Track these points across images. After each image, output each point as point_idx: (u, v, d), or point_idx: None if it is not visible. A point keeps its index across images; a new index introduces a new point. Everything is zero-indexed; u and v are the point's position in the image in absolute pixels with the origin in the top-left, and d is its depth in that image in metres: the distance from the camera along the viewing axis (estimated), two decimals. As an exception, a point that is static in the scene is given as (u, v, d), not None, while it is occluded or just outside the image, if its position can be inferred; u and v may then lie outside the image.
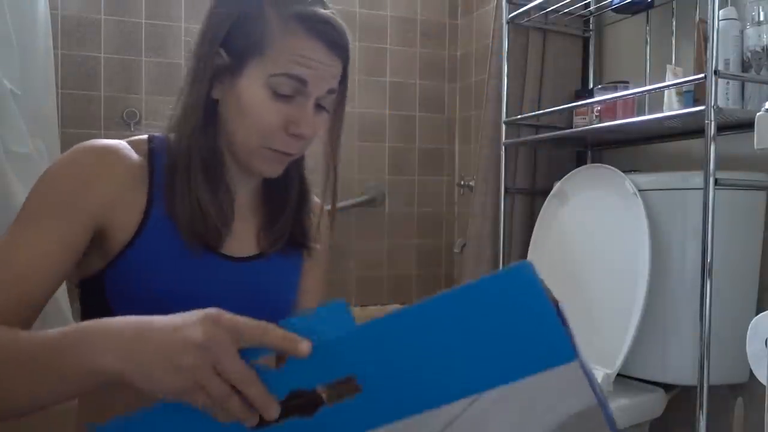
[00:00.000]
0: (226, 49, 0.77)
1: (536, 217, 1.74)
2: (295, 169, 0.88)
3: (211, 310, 0.50)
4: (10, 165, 1.36)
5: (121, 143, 0.79)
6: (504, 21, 1.85)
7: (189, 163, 0.78)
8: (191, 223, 0.77)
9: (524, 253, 1.75)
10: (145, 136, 0.83)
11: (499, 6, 1.88)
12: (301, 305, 0.94)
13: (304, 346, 0.47)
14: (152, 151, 0.81)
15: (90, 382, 0.56)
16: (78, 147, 0.78)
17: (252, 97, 0.76)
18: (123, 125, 1.99)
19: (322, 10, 0.77)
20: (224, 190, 0.81)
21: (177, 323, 0.51)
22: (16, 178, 1.38)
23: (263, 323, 0.49)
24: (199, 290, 0.79)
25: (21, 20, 1.48)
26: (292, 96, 0.76)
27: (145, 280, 0.76)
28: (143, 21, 2.06)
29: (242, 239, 0.85)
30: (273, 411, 0.49)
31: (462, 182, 2.44)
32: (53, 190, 0.74)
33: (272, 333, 0.48)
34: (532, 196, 1.90)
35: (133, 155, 0.79)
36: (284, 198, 0.89)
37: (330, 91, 0.79)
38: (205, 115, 0.78)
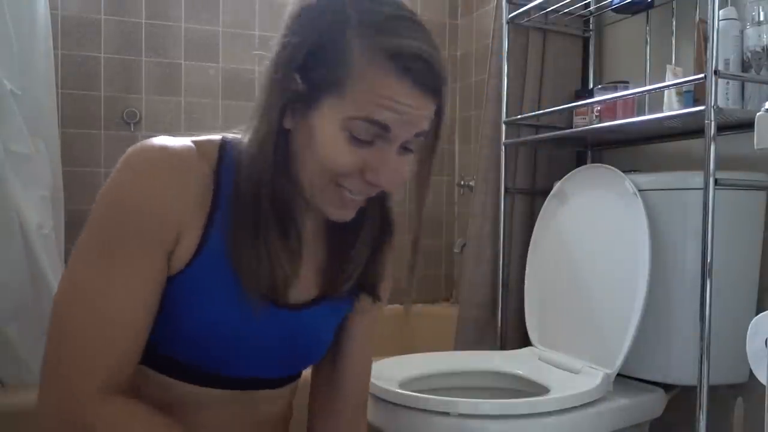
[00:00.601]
0: (302, 75, 0.65)
1: (536, 217, 1.74)
2: (376, 203, 0.77)
3: None
4: (10, 164, 1.36)
5: (192, 147, 0.69)
6: (504, 21, 1.85)
7: (259, 204, 0.67)
8: (256, 274, 0.68)
9: (524, 253, 1.75)
10: (217, 140, 0.73)
11: (499, 6, 1.88)
12: (347, 353, 0.86)
13: None
14: (221, 162, 0.71)
15: None
16: (144, 153, 0.68)
17: (326, 136, 0.65)
18: (123, 125, 1.99)
19: (419, 44, 0.64)
20: (295, 235, 0.71)
21: None
22: (15, 178, 1.38)
23: None
24: (240, 331, 0.72)
25: (21, 20, 1.48)
26: (372, 141, 0.66)
27: (185, 311, 0.69)
28: (143, 21, 2.06)
29: (302, 284, 0.75)
30: None
31: (462, 182, 2.44)
32: (129, 215, 0.65)
33: None
34: (532, 196, 1.90)
35: (203, 168, 0.70)
36: (356, 235, 0.77)
37: (418, 135, 0.68)
38: (275, 148, 0.67)
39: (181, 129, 1.93)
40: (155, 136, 0.71)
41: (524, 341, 1.71)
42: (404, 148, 0.68)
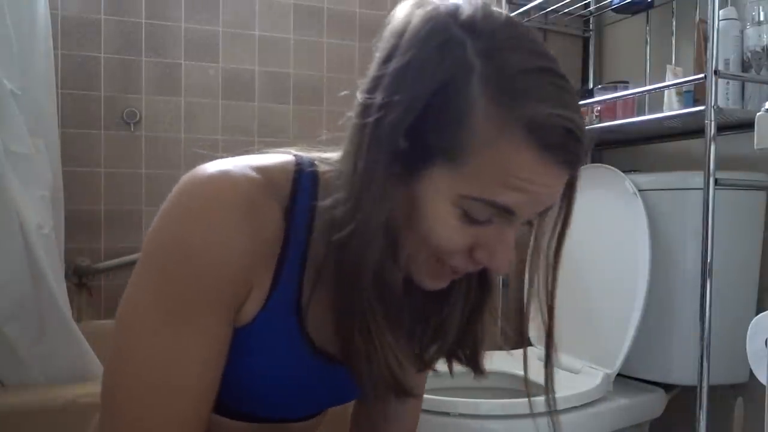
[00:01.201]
0: (411, 137, 0.52)
1: (536, 217, 1.74)
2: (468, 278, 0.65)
3: None
4: (10, 164, 1.36)
5: (260, 184, 0.57)
6: (504, 21, 1.85)
7: (359, 287, 0.55)
8: (377, 377, 0.59)
9: (524, 253, 1.75)
10: (292, 166, 0.60)
11: (498, 6, 1.88)
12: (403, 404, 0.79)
13: None
14: (294, 198, 0.59)
15: None
16: (209, 192, 0.55)
17: (434, 211, 0.53)
18: (123, 125, 1.99)
19: (566, 113, 0.50)
20: (404, 319, 0.61)
21: None
22: (16, 178, 1.38)
23: None
24: (294, 384, 0.65)
25: (21, 20, 1.48)
26: (489, 220, 0.54)
27: (245, 366, 0.61)
28: (143, 21, 2.06)
29: None
30: None
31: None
32: (202, 276, 0.54)
33: None
34: (532, 196, 1.90)
35: (273, 209, 0.58)
36: (447, 300, 0.66)
37: (543, 212, 0.57)
38: (385, 229, 0.54)
39: (181, 129, 1.93)
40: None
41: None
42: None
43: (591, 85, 1.88)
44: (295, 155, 0.62)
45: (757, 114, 0.96)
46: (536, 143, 0.49)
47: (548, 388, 0.70)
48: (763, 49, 1.30)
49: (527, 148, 0.49)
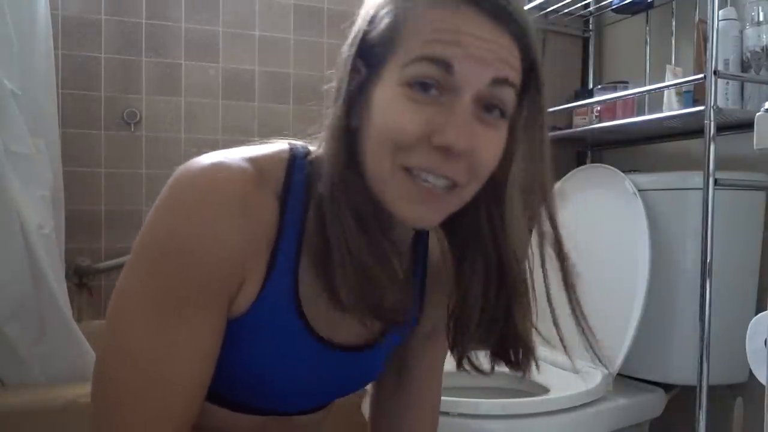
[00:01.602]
0: (363, 57, 0.57)
1: (536, 217, 1.74)
2: (483, 233, 0.61)
3: None
4: (10, 165, 1.36)
5: (251, 175, 0.57)
6: (504, 21, 1.85)
7: (340, 217, 0.56)
8: (360, 296, 0.57)
9: (524, 253, 1.75)
10: (285, 154, 0.61)
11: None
12: (412, 388, 0.78)
13: None
14: (287, 185, 0.59)
15: None
16: (201, 185, 0.55)
17: (384, 100, 0.54)
18: (123, 125, 1.99)
19: None
20: (389, 245, 0.59)
21: None
22: (16, 178, 1.38)
23: None
24: (293, 372, 0.64)
25: (21, 20, 1.48)
26: (438, 93, 0.53)
27: (243, 356, 0.61)
28: (143, 21, 2.06)
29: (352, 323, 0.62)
30: None
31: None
32: (190, 266, 0.54)
33: None
34: (532, 196, 1.90)
35: (266, 200, 0.58)
36: (461, 275, 0.63)
37: (497, 82, 0.53)
38: (348, 151, 0.56)
39: (181, 129, 1.93)
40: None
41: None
42: (486, 110, 0.54)
43: (591, 86, 1.88)
44: (290, 144, 0.63)
45: (757, 114, 0.96)
46: (455, 2, 0.52)
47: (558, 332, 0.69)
48: (762, 50, 1.30)
49: (449, 8, 0.52)
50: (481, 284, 0.62)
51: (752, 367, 0.92)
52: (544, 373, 1.46)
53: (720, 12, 1.32)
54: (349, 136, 0.57)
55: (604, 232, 1.51)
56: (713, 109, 1.21)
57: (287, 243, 0.58)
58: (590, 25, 1.92)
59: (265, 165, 0.59)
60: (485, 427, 1.18)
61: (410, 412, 0.79)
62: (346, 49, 0.58)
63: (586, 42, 1.94)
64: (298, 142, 0.63)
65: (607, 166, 1.55)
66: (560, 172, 1.70)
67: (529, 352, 0.67)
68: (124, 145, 1.90)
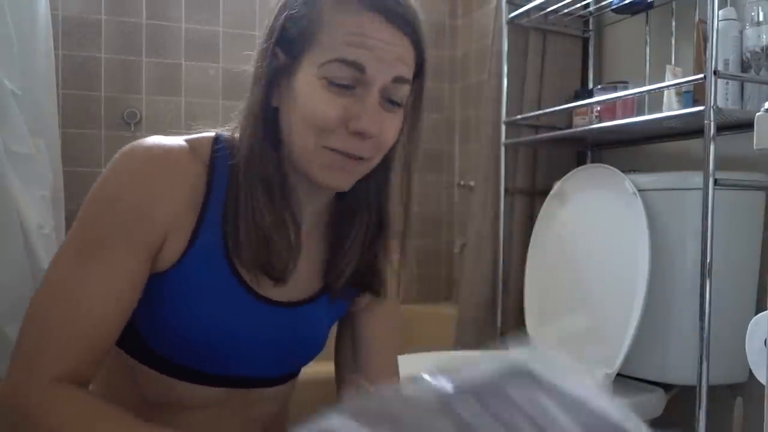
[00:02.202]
0: (282, 46, 0.67)
1: (536, 217, 1.74)
2: (371, 193, 0.75)
3: None
4: (10, 165, 1.36)
5: (184, 147, 0.69)
6: (504, 21, 1.85)
7: (250, 183, 0.67)
8: (254, 254, 0.67)
9: (524, 253, 1.75)
10: (211, 136, 0.73)
11: (498, 6, 1.88)
12: (368, 356, 0.83)
13: None
14: (214, 159, 0.70)
15: None
16: (136, 152, 0.67)
17: (306, 90, 0.65)
18: (123, 125, 1.99)
19: None
20: (288, 214, 0.70)
21: None
22: (16, 178, 1.39)
23: None
24: (233, 333, 0.71)
25: (21, 21, 1.48)
26: (352, 87, 0.65)
27: (177, 310, 0.69)
28: (144, 21, 2.06)
29: (298, 279, 0.73)
30: None
31: (462, 182, 2.45)
32: (115, 212, 0.65)
33: None
34: (532, 196, 1.90)
35: (195, 166, 0.69)
36: (349, 228, 0.75)
37: (397, 80, 0.66)
38: (265, 126, 0.68)
39: (181, 129, 1.94)
40: (153, 135, 0.70)
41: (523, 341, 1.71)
42: (389, 101, 0.67)
43: (591, 86, 1.89)
44: (216, 131, 0.74)
45: (757, 114, 0.96)
46: (363, 6, 0.63)
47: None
48: (762, 50, 1.30)
49: (357, 9, 0.63)
50: (363, 233, 0.75)
51: (752, 367, 0.92)
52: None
53: (720, 12, 1.32)
54: (267, 113, 0.68)
55: (603, 232, 1.51)
56: (713, 109, 1.21)
57: (215, 202, 0.68)
58: (590, 26, 1.92)
59: (194, 142, 0.71)
60: (485, 426, 1.18)
61: (368, 380, 0.83)
62: (264, 39, 0.68)
63: (585, 42, 1.94)
64: (223, 130, 0.74)
65: (607, 166, 1.55)
66: (560, 172, 1.70)
67: (383, 283, 0.78)
68: (125, 145, 1.91)
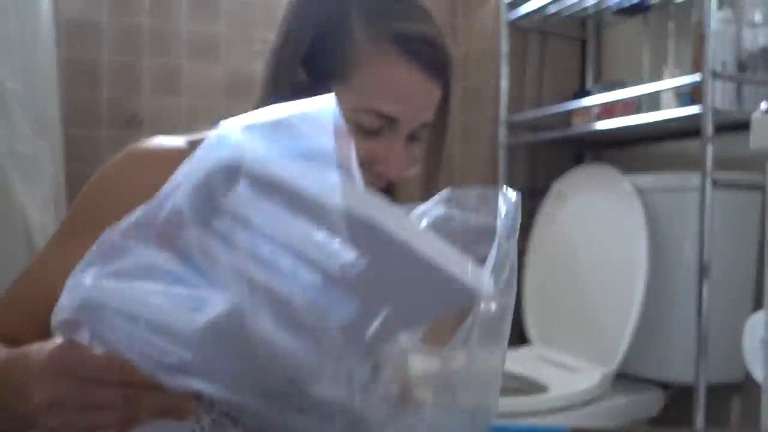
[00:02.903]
0: (307, 66, 0.65)
1: (535, 218, 1.75)
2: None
3: (56, 353, 0.44)
4: (14, 165, 1.37)
5: (184, 148, 0.69)
6: (503, 23, 1.86)
7: None
8: None
9: (523, 253, 1.76)
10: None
11: (498, 8, 1.89)
12: None
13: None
14: None
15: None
16: (135, 152, 0.69)
17: None
18: (126, 126, 2.00)
19: (424, 27, 0.63)
20: None
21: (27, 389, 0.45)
22: (18, 178, 1.39)
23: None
24: None
25: (24, 22, 1.49)
26: (379, 131, 0.64)
27: None
28: (146, 23, 2.07)
29: None
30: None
31: (462, 182, 2.45)
32: (99, 201, 0.67)
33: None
34: (532, 197, 1.91)
35: None
36: None
37: (424, 125, 0.67)
38: None
39: (183, 130, 1.95)
40: (156, 136, 0.71)
41: (523, 340, 1.72)
42: (411, 137, 0.67)
43: (589, 87, 1.89)
44: None
45: (753, 115, 0.97)
46: (401, 52, 0.61)
47: None
48: (759, 51, 1.31)
49: (398, 60, 0.61)
50: None
51: (749, 366, 0.93)
52: (543, 372, 1.47)
53: (717, 14, 1.32)
54: None
55: (602, 232, 1.52)
56: (711, 110, 1.22)
57: None
58: (589, 27, 1.93)
59: (196, 144, 0.68)
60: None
61: None
62: (281, 44, 0.66)
63: (584, 43, 1.94)
64: None
65: (605, 166, 1.56)
66: (559, 173, 1.71)
67: None
68: (127, 146, 1.91)
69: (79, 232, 0.64)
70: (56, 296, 0.60)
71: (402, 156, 0.65)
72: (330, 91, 0.57)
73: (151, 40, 2.08)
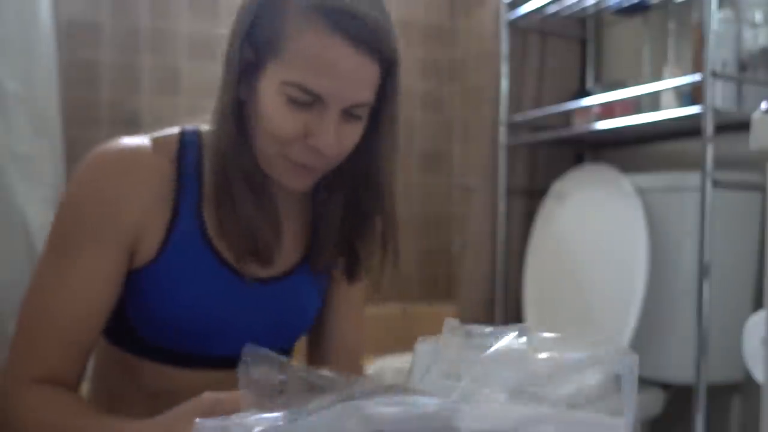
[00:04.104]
0: (250, 43, 0.66)
1: (535, 217, 1.75)
2: (349, 189, 0.75)
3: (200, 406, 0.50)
4: (14, 165, 1.37)
5: (146, 146, 0.71)
6: (503, 23, 1.86)
7: (228, 175, 0.69)
8: (241, 242, 0.70)
9: (524, 253, 1.76)
10: (176, 131, 0.75)
11: (498, 8, 1.89)
12: (332, 325, 0.86)
13: None
14: (181, 153, 0.72)
15: None
16: (99, 156, 0.70)
17: (267, 101, 0.65)
18: (125, 126, 2.00)
19: (353, 1, 0.62)
20: (268, 201, 0.72)
21: None
22: (18, 179, 1.39)
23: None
24: (219, 313, 0.73)
25: (24, 22, 1.49)
26: (311, 104, 0.65)
27: (164, 298, 0.71)
28: (145, 22, 2.07)
29: (281, 252, 0.75)
30: None
31: (462, 183, 2.45)
32: (82, 216, 0.68)
33: None
34: (532, 197, 1.91)
35: (159, 161, 0.71)
36: (325, 208, 0.77)
37: (360, 105, 0.66)
38: (236, 118, 0.68)
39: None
40: (119, 137, 0.73)
41: (523, 340, 1.72)
42: (350, 115, 0.66)
43: (589, 86, 1.89)
44: (180, 127, 0.76)
45: (754, 114, 0.97)
46: (329, 25, 0.61)
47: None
48: (759, 51, 1.31)
49: (323, 32, 0.61)
50: (339, 215, 0.76)
51: (749, 366, 0.93)
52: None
53: (718, 13, 1.32)
54: (238, 107, 0.69)
55: (602, 231, 1.52)
56: (711, 110, 1.22)
57: (188, 194, 0.71)
58: (589, 27, 1.93)
59: (159, 140, 0.73)
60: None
61: (326, 349, 0.86)
62: (233, 30, 0.68)
63: (584, 43, 1.94)
64: (189, 125, 0.76)
65: (605, 166, 1.56)
66: (559, 173, 1.71)
67: (358, 269, 0.80)
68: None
69: (70, 249, 0.67)
70: (78, 321, 0.67)
71: (332, 131, 0.65)
72: (267, 63, 0.65)
73: (151, 40, 2.08)
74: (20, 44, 1.46)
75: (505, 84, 1.86)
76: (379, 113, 0.70)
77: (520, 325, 0.48)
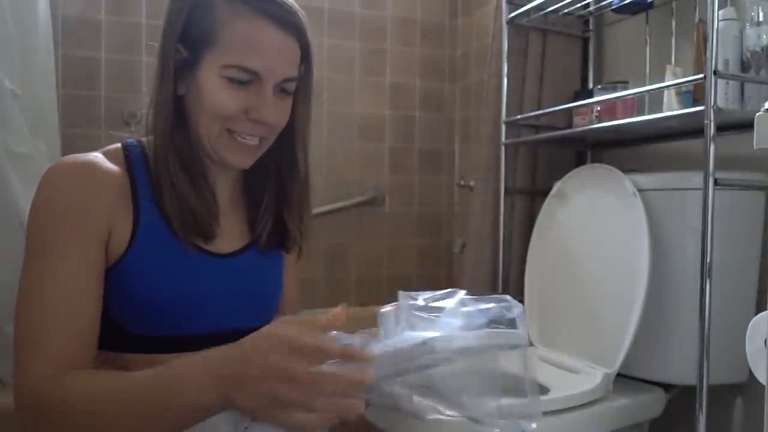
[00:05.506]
0: (183, 43, 0.78)
1: (536, 217, 1.74)
2: (273, 165, 0.89)
3: (271, 338, 0.58)
4: (10, 165, 1.36)
5: (98, 157, 0.80)
6: (504, 21, 1.85)
7: (168, 163, 0.79)
8: (182, 219, 0.79)
9: (524, 253, 1.75)
10: (118, 145, 0.84)
11: (498, 6, 1.88)
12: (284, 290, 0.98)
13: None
14: (128, 158, 0.82)
15: (197, 416, 0.63)
16: (57, 172, 0.77)
17: (209, 86, 0.77)
18: (123, 125, 2.00)
19: None
20: (204, 183, 0.83)
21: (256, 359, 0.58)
22: (16, 178, 1.39)
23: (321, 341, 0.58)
24: (194, 289, 0.82)
25: (22, 21, 1.48)
26: (250, 82, 0.77)
27: (142, 285, 0.78)
28: (144, 21, 2.06)
29: (229, 235, 0.87)
30: (368, 376, 0.58)
31: (462, 182, 2.45)
32: (57, 217, 0.74)
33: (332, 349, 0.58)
34: (532, 196, 1.90)
35: (113, 167, 0.80)
36: (260, 196, 0.89)
37: (288, 80, 0.80)
38: (175, 113, 0.80)
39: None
40: (70, 155, 0.81)
41: (524, 341, 1.71)
42: (281, 90, 0.80)
43: (591, 86, 1.89)
44: (119, 143, 0.85)
45: (757, 114, 0.96)
46: (249, 9, 0.76)
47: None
48: (762, 50, 1.30)
49: (251, 18, 0.76)
50: (273, 198, 0.89)
51: (752, 367, 0.92)
52: (544, 373, 1.46)
53: (720, 12, 1.32)
54: (175, 101, 0.80)
55: (603, 232, 1.51)
56: (713, 109, 1.21)
57: (142, 187, 0.80)
58: (590, 26, 1.92)
59: (107, 152, 0.83)
60: (484, 427, 1.18)
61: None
62: (165, 33, 0.79)
63: (585, 42, 1.94)
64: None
65: (607, 166, 1.55)
66: (560, 172, 1.70)
67: (290, 240, 0.92)
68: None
69: (52, 246, 0.74)
70: (75, 308, 0.72)
71: (271, 103, 0.78)
72: (204, 54, 0.76)
73: (149, 39, 2.07)
74: (18, 43, 1.45)
75: (505, 83, 1.85)
76: (296, 93, 0.84)
77: (451, 289, 0.66)
